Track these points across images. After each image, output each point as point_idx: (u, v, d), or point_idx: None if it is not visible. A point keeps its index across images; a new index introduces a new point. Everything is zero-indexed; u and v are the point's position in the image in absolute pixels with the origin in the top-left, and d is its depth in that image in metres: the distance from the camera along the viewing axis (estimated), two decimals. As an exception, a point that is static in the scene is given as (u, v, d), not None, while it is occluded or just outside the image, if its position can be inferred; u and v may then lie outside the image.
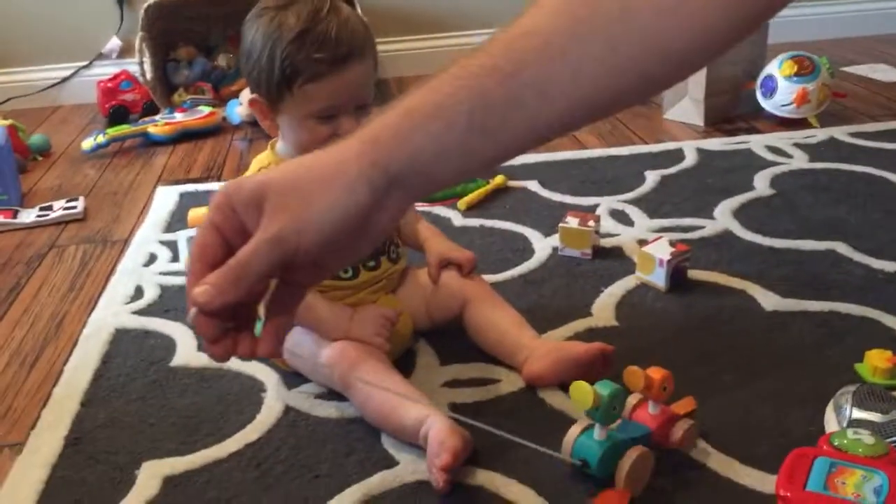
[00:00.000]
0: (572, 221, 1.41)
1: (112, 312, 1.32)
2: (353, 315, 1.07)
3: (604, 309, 1.25)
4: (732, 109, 2.10)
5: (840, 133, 1.92)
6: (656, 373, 0.94)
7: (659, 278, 1.28)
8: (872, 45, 2.74)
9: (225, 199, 0.56)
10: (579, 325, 1.21)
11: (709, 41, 0.55)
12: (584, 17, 0.55)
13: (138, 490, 0.93)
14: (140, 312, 1.31)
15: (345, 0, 1.09)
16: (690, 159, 1.82)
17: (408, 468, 0.94)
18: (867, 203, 1.55)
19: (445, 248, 1.19)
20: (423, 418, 0.95)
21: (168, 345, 1.22)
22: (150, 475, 0.95)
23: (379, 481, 0.93)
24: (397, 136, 0.56)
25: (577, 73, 0.55)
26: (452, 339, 1.17)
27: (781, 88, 1.97)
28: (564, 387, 1.06)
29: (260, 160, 1.12)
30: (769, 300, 1.24)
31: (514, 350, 1.10)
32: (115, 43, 2.59)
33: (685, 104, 2.09)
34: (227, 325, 0.57)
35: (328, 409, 1.05)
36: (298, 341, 1.09)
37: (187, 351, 1.20)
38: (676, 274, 1.28)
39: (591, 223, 1.40)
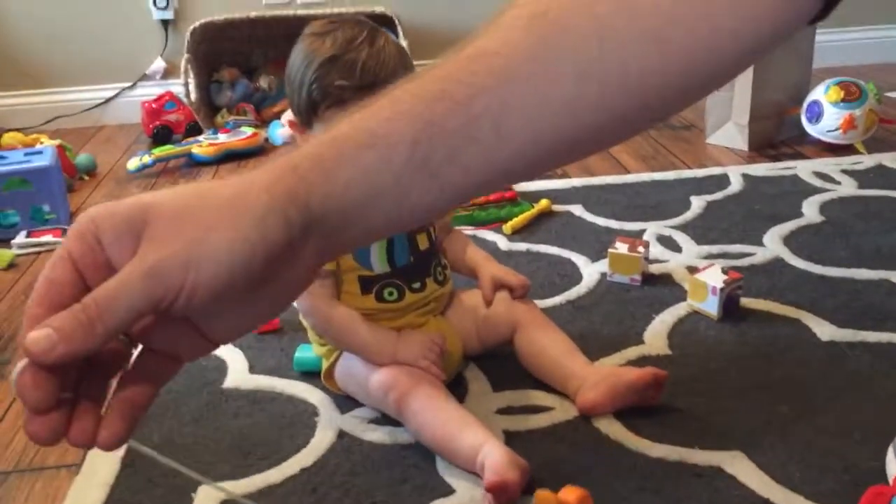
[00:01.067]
0: (622, 247, 1.40)
1: (163, 333, 1.32)
2: (398, 338, 1.06)
3: (656, 336, 1.24)
4: (776, 135, 2.08)
5: (889, 160, 1.90)
6: (571, 493, 0.88)
7: (711, 306, 1.27)
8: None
9: (89, 225, 0.42)
10: (631, 352, 1.20)
11: (689, 82, 0.46)
12: (554, 39, 0.45)
13: (195, 514, 0.93)
14: (190, 333, 1.32)
15: (386, 25, 1.10)
16: (736, 185, 1.81)
17: (464, 496, 0.94)
18: (922, 231, 1.53)
19: (499, 271, 1.19)
20: (479, 446, 0.94)
21: (219, 366, 1.23)
22: (207, 498, 0.95)
23: (436, 509, 0.92)
24: (322, 167, 0.44)
25: (542, 103, 0.45)
26: (503, 363, 1.17)
27: (828, 114, 1.96)
28: (619, 415, 1.05)
29: None
30: (825, 330, 1.22)
31: (567, 378, 1.09)
32: (159, 64, 2.63)
33: (728, 128, 2.07)
34: (63, 394, 0.42)
35: (382, 434, 1.05)
36: (350, 365, 1.09)
37: (239, 373, 1.21)
38: (729, 302, 1.27)
39: (641, 249, 1.40)
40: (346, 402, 1.12)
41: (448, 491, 0.95)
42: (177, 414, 1.12)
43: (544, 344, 1.13)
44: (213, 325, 0.45)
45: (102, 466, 1.01)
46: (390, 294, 1.10)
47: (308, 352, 1.20)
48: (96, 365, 0.44)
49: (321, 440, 1.05)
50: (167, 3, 2.57)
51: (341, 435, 1.06)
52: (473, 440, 0.95)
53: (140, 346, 0.45)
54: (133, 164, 2.14)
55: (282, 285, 0.45)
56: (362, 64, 1.01)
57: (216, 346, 0.46)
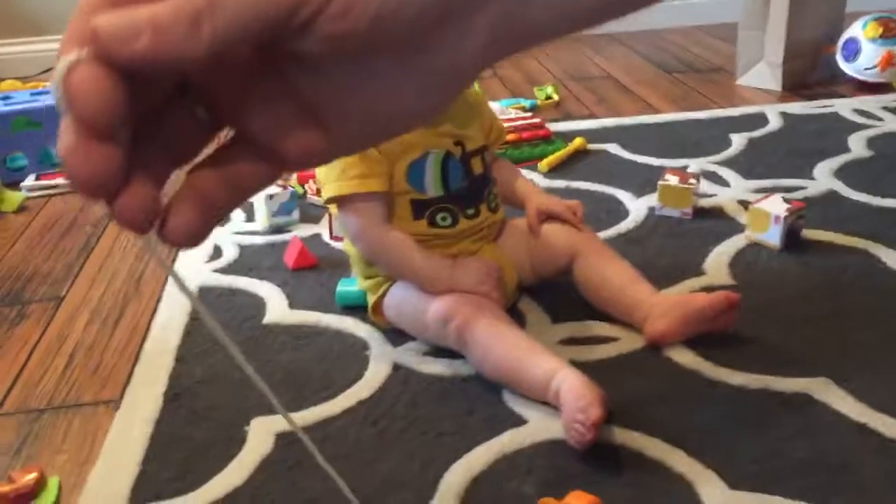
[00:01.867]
0: (672, 179, 1.34)
1: (194, 271, 1.25)
2: (454, 265, 1.00)
3: (717, 267, 1.18)
4: (810, 74, 2.01)
5: (929, 97, 1.84)
6: (579, 500, 0.76)
7: (773, 237, 1.21)
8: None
9: None
10: (693, 283, 1.14)
11: None
12: None
13: (252, 447, 0.87)
14: (222, 271, 1.25)
15: None
16: (775, 123, 1.74)
17: (539, 426, 0.88)
18: (977, 164, 1.48)
19: (546, 200, 1.12)
20: (552, 373, 0.88)
21: (257, 303, 1.16)
22: (262, 432, 0.89)
23: (509, 440, 0.86)
24: None
25: None
26: (560, 294, 1.11)
27: (865, 51, 1.89)
28: (690, 344, 0.99)
29: None
30: (894, 259, 1.17)
31: (632, 307, 1.03)
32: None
33: (761, 68, 2.01)
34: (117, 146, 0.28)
35: (440, 367, 0.99)
36: (402, 296, 1.03)
37: (278, 309, 1.14)
38: (791, 232, 1.21)
39: (692, 181, 1.33)
40: (396, 336, 1.05)
41: (519, 421, 0.89)
42: (219, 349, 1.05)
43: (607, 272, 1.07)
44: (337, 107, 0.31)
45: (143, 402, 0.95)
46: (444, 219, 1.03)
47: (351, 285, 1.13)
48: (162, 140, 0.31)
49: (376, 373, 0.98)
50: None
51: (396, 368, 0.99)
52: (546, 367, 0.89)
53: (223, 129, 0.32)
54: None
55: (441, 62, 0.31)
56: None
57: (323, 153, 0.32)
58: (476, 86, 1.12)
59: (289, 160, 0.32)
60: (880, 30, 1.89)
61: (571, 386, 0.85)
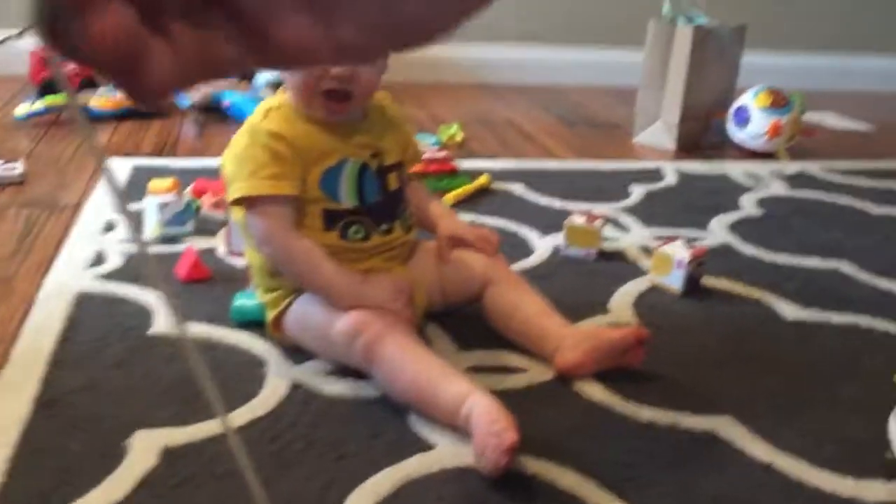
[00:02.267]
0: (579, 219, 1.34)
1: (72, 276, 1.15)
2: (364, 280, 0.95)
3: (622, 307, 1.17)
4: (703, 137, 2.09)
5: (813, 168, 1.93)
6: None
7: (675, 280, 1.22)
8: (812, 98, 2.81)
9: None
10: (599, 321, 1.13)
11: None
12: None
13: (133, 461, 0.78)
14: (105, 277, 1.16)
15: None
16: (671, 178, 1.79)
17: (448, 451, 0.84)
18: (859, 229, 1.55)
19: (458, 225, 1.10)
20: (464, 396, 0.84)
21: (142, 312, 1.07)
22: (146, 446, 0.81)
23: (416, 465, 0.81)
24: None
25: None
26: (467, 322, 1.08)
27: (755, 119, 1.98)
28: (600, 377, 0.98)
29: (270, 99, 1.01)
30: (790, 310, 1.19)
31: (542, 337, 1.01)
32: (52, 13, 2.40)
33: (657, 127, 2.07)
34: None
35: (343, 387, 0.93)
36: (306, 310, 0.97)
37: (165, 320, 1.06)
38: (693, 277, 1.22)
39: (598, 222, 1.34)
40: (297, 355, 0.99)
41: (427, 446, 0.84)
42: (97, 359, 0.96)
43: (518, 301, 1.04)
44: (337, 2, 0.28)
45: (10, 407, 0.85)
46: (356, 232, 0.98)
47: (250, 299, 1.06)
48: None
49: (273, 391, 0.92)
50: (67, -52, 2.35)
51: (296, 386, 0.93)
52: (457, 390, 0.85)
53: None
54: (21, 110, 1.92)
55: None
56: None
57: (313, 51, 0.29)
58: (392, 103, 1.08)
59: (276, 48, 0.28)
60: (770, 99, 1.98)
61: (484, 410, 0.82)
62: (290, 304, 0.99)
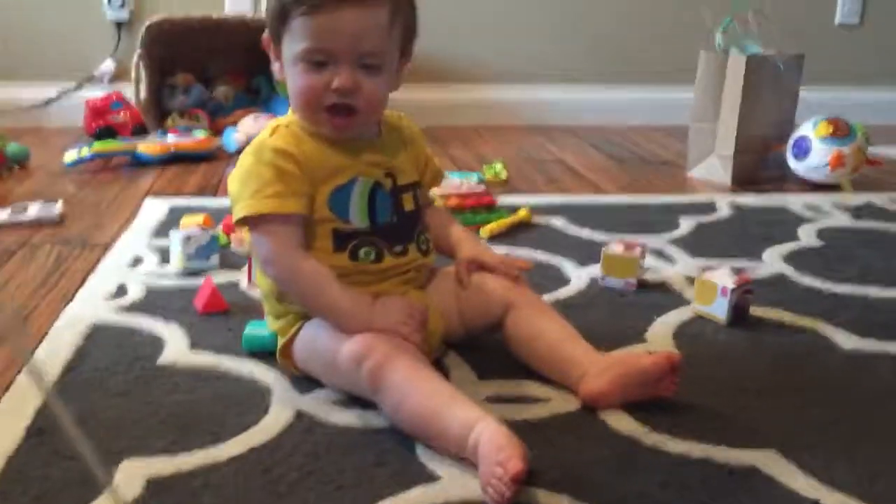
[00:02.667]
0: (616, 248, 1.27)
1: (90, 307, 1.13)
2: (374, 303, 0.90)
3: (660, 337, 1.09)
4: (760, 170, 1.99)
5: (878, 199, 1.82)
6: None
7: (720, 310, 1.13)
8: (885, 131, 2.68)
9: None
10: (634, 351, 1.05)
11: None
12: None
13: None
14: (124, 309, 1.14)
15: None
16: (725, 210, 1.70)
17: (454, 483, 0.77)
18: (927, 258, 1.44)
19: (479, 250, 1.05)
20: (472, 423, 0.78)
21: (155, 342, 1.04)
22: (131, 475, 0.76)
23: (419, 496, 0.75)
24: None
25: None
26: (488, 351, 1.01)
27: (816, 150, 1.88)
28: (629, 408, 0.90)
29: (279, 118, 0.97)
30: (846, 340, 1.10)
31: (567, 364, 0.94)
32: (108, 65, 2.46)
33: (712, 161, 1.98)
34: None
35: (349, 417, 0.88)
36: (314, 335, 0.93)
37: (177, 350, 1.02)
38: (739, 306, 1.14)
39: (637, 250, 1.26)
40: (306, 384, 0.94)
41: (432, 477, 0.78)
42: (101, 387, 0.93)
43: (541, 327, 0.98)
44: None
45: (2, 434, 0.82)
46: (367, 254, 0.94)
47: (261, 328, 1.02)
48: None
49: (276, 419, 0.87)
50: (122, 3, 2.42)
51: (300, 416, 0.88)
52: (465, 417, 0.79)
53: None
54: (70, 156, 1.95)
55: None
56: None
57: None
58: (410, 123, 1.04)
59: None
60: (831, 129, 1.88)
61: (491, 437, 0.75)
62: (298, 330, 0.94)
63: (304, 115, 0.93)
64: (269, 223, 0.89)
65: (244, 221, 0.91)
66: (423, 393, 0.83)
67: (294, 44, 0.89)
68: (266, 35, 0.94)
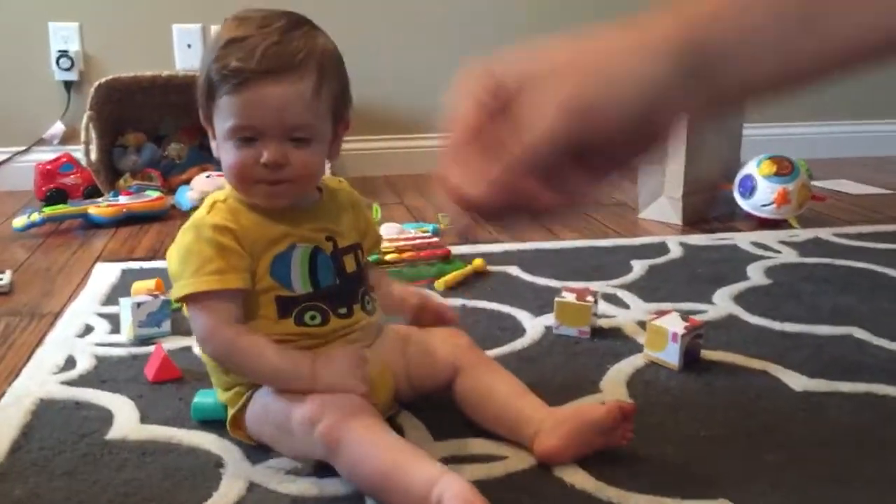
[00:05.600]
0: (569, 296, 1.28)
1: (37, 382, 1.11)
2: (315, 358, 0.90)
3: (614, 385, 1.10)
4: (709, 210, 2.03)
5: (824, 233, 1.86)
6: None
7: (671, 355, 1.14)
8: (827, 165, 2.75)
9: (488, 75, 0.49)
10: (589, 401, 1.05)
11: None
12: None
13: (60, 578, 0.72)
14: (71, 383, 1.11)
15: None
16: (675, 252, 1.72)
17: (409, 552, 0.76)
18: (874, 293, 1.46)
19: (423, 295, 1.08)
20: (435, 479, 0.78)
21: (104, 416, 1.02)
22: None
23: (373, 568, 0.74)
24: (718, 17, 0.46)
25: None
26: (441, 410, 1.01)
27: (761, 188, 1.92)
28: (584, 462, 0.90)
29: (215, 193, 0.97)
30: (797, 381, 1.11)
31: (520, 423, 0.94)
32: (58, 128, 2.45)
33: (661, 203, 2.01)
34: None
35: (303, 485, 0.87)
36: (263, 403, 0.92)
37: (127, 423, 1.00)
38: (691, 351, 1.15)
39: (590, 298, 1.27)
40: (258, 453, 0.93)
41: (387, 547, 0.77)
42: (47, 467, 0.91)
43: (492, 385, 0.98)
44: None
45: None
46: (313, 318, 0.93)
47: (210, 397, 1.01)
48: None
49: (227, 492, 0.85)
50: (71, 64, 2.41)
51: (252, 487, 0.87)
52: (428, 472, 0.79)
53: None
54: (19, 221, 1.92)
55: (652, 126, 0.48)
56: (265, 48, 0.86)
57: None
58: (351, 189, 1.05)
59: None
60: (774, 167, 1.92)
61: (457, 493, 0.75)
62: (248, 400, 0.93)
63: (239, 189, 0.92)
64: (208, 300, 0.89)
65: (183, 299, 0.90)
66: (380, 449, 0.82)
67: (222, 122, 0.89)
68: (201, 113, 0.93)
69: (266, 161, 0.88)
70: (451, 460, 0.91)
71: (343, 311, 0.95)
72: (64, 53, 2.40)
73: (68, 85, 2.44)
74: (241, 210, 0.93)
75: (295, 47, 0.88)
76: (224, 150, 0.91)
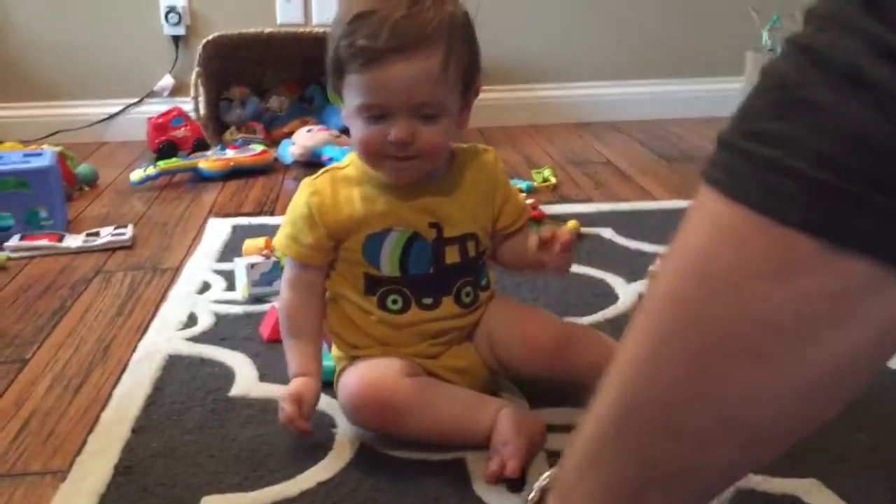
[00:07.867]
0: (663, 265, 1.30)
1: (165, 338, 1.21)
2: (295, 374, 0.98)
3: (706, 358, 1.13)
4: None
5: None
6: None
7: (765, 328, 1.16)
8: None
9: None
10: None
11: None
12: None
13: (198, 527, 0.81)
14: (194, 339, 1.21)
15: None
16: (773, 214, 1.71)
17: (508, 517, 0.82)
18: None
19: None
20: (497, 410, 0.92)
21: (226, 374, 1.11)
22: (213, 510, 0.83)
23: (475, 531, 0.80)
24: None
25: None
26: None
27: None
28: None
29: (347, 156, 1.00)
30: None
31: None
32: (167, 81, 2.55)
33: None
34: None
35: (406, 451, 0.93)
36: (348, 371, 0.99)
37: (247, 381, 1.09)
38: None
39: (684, 268, 1.29)
40: (367, 415, 1.00)
41: (487, 511, 0.84)
42: (179, 421, 1.00)
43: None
44: None
45: (92, 474, 0.89)
46: (394, 302, 0.97)
47: (327, 360, 1.08)
48: None
49: (339, 453, 0.93)
50: (179, 19, 2.51)
51: (362, 449, 0.94)
52: (495, 408, 0.92)
53: None
54: (136, 175, 2.04)
55: None
56: (393, 24, 0.86)
57: None
58: (494, 158, 1.03)
59: None
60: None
61: (512, 416, 0.90)
62: (350, 362, 0.99)
63: (368, 163, 0.94)
64: (292, 261, 0.99)
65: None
66: (450, 395, 0.94)
67: (351, 98, 0.91)
68: (330, 85, 0.95)
69: (394, 139, 0.89)
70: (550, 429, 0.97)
71: (428, 301, 0.97)
72: (172, 9, 2.49)
73: (176, 39, 2.54)
74: (351, 180, 0.96)
75: (423, 19, 0.87)
76: (354, 124, 0.93)
